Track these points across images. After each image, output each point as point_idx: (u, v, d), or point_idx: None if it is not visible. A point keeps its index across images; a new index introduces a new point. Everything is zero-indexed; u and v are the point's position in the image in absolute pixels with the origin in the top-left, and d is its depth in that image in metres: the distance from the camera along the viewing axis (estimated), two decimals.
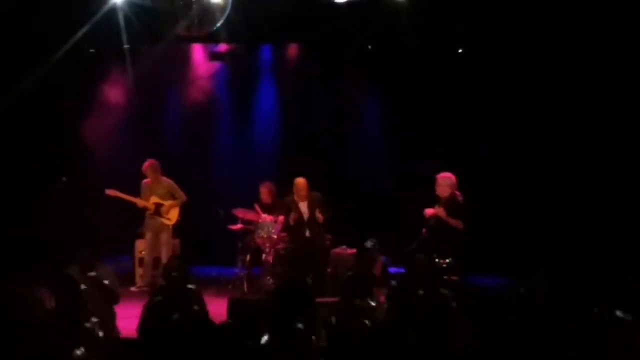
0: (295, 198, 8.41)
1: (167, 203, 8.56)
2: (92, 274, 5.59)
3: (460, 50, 9.32)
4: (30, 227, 8.81)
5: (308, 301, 4.31)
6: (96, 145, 9.62)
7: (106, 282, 5.66)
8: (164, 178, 8.62)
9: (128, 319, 5.58)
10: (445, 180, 7.45)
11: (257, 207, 8.63)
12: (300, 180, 8.33)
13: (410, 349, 3.43)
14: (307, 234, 8.29)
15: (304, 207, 8.42)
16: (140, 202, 8.52)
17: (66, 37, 8.73)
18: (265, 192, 8.81)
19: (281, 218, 8.50)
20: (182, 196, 8.63)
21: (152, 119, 10.01)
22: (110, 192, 8.38)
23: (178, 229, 8.88)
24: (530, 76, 8.97)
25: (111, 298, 5.72)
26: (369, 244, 7.99)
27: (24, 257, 7.90)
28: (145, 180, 8.56)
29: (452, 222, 7.27)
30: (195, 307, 5.09)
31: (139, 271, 8.80)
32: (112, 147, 9.67)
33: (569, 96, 8.90)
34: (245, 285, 8.52)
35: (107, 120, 9.80)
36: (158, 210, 8.54)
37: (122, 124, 9.91)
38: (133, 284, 8.58)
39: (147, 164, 8.50)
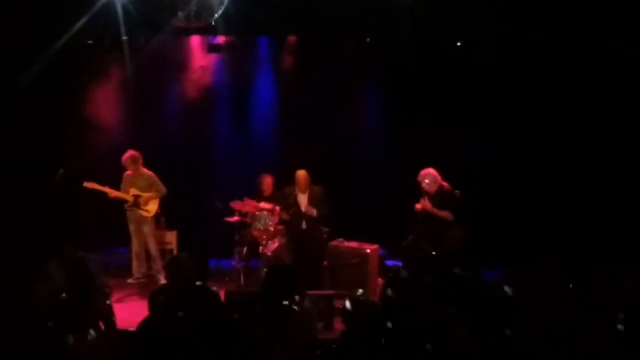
0: (296, 190, 8.41)
1: (145, 195, 8.44)
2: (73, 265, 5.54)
3: (459, 44, 9.31)
4: (26, 219, 8.82)
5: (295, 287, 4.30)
6: (93, 137, 9.60)
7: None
8: (145, 170, 8.49)
9: (124, 309, 5.57)
10: (427, 177, 7.45)
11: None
12: (302, 173, 8.31)
13: (405, 343, 3.44)
14: (304, 226, 8.28)
15: (303, 199, 8.42)
16: (114, 193, 8.34)
17: (64, 29, 8.71)
18: (264, 184, 8.81)
19: (278, 209, 8.50)
20: (161, 189, 8.49)
21: (149, 110, 9.98)
22: (88, 184, 8.22)
23: (175, 222, 8.87)
24: (530, 71, 8.97)
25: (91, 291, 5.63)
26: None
27: (18, 249, 7.89)
28: (126, 172, 8.45)
29: (440, 214, 7.26)
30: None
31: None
32: (109, 138, 9.65)
33: (569, 91, 8.90)
34: (242, 278, 8.53)
35: (104, 111, 9.78)
36: (136, 201, 8.44)
37: (120, 115, 9.89)
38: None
39: (127, 156, 8.35)
